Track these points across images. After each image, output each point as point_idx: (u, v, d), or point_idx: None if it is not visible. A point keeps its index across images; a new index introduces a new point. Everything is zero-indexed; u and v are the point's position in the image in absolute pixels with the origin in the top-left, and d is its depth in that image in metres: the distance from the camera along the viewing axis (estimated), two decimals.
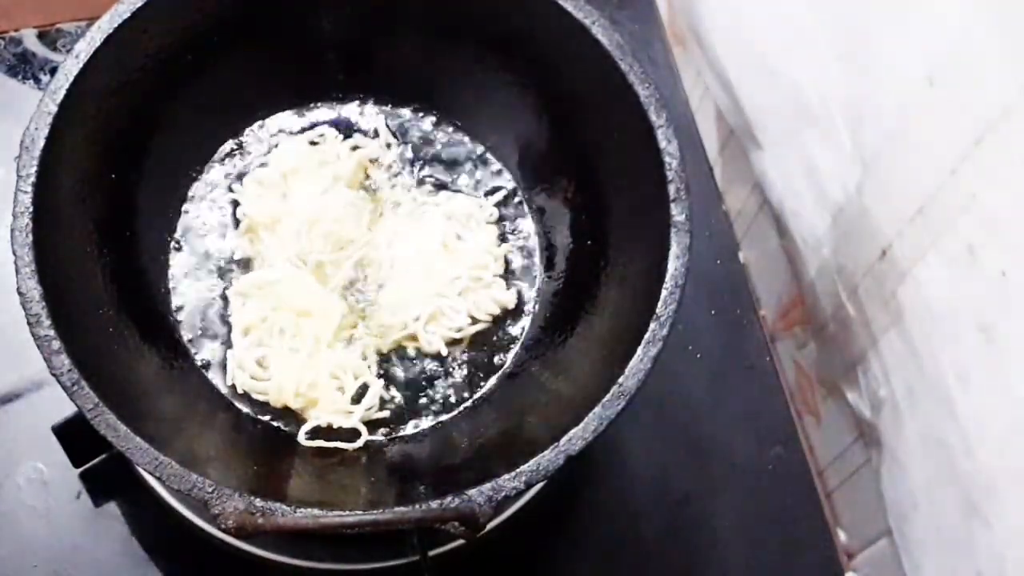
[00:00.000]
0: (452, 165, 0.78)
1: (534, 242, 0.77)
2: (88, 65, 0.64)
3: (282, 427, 0.68)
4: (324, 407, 0.69)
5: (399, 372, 0.71)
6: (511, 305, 0.73)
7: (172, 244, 0.73)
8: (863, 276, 0.73)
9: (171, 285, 0.72)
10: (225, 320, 0.71)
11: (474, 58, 0.75)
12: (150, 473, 0.55)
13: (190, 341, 0.70)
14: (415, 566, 0.67)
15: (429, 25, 0.75)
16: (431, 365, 0.72)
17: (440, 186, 0.77)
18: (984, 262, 0.59)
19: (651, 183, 0.64)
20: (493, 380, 0.72)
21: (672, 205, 0.63)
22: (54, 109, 0.62)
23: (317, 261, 0.72)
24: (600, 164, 0.72)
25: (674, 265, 0.61)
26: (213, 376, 0.69)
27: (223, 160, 0.77)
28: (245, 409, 0.69)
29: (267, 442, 0.68)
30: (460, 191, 0.77)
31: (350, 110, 0.79)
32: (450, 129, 0.79)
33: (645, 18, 0.98)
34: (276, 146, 0.77)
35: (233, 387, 0.69)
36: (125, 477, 0.71)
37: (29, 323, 0.57)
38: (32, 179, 0.60)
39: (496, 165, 0.78)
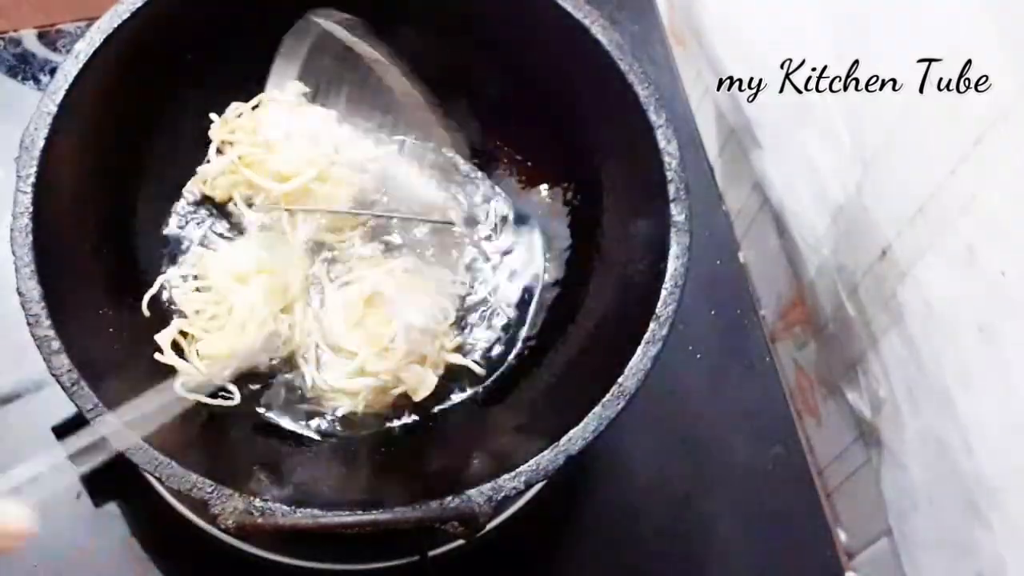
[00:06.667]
0: (452, 167, 0.79)
1: (534, 242, 0.77)
2: (88, 65, 0.64)
3: (285, 427, 0.68)
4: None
5: None
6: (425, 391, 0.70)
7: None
8: (863, 276, 0.73)
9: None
10: None
11: (473, 58, 0.75)
12: (150, 473, 0.55)
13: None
14: (415, 566, 0.67)
15: (428, 25, 0.75)
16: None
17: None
18: (984, 262, 0.59)
19: (651, 183, 0.64)
20: (493, 380, 0.72)
21: (672, 205, 0.63)
22: (54, 109, 0.62)
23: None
24: (600, 164, 0.72)
25: (674, 265, 0.61)
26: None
27: None
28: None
29: (267, 442, 0.68)
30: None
31: None
32: (448, 129, 0.79)
33: (645, 18, 0.98)
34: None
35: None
36: (125, 477, 0.71)
37: (29, 323, 0.57)
38: (32, 179, 0.60)
39: (494, 164, 0.79)
